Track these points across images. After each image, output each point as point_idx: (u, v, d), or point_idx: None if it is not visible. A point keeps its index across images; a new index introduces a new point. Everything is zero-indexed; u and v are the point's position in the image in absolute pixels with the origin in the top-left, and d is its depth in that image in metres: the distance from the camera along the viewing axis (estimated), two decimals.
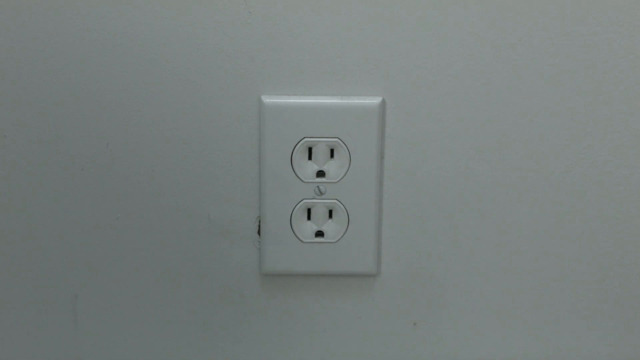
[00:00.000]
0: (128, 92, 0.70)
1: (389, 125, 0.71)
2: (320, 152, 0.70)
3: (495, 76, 0.69)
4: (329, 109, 0.69)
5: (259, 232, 0.73)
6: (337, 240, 0.72)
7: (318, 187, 0.71)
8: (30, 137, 0.71)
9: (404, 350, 0.76)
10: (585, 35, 0.68)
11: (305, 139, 0.70)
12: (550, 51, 0.69)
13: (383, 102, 0.70)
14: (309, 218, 0.72)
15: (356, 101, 0.69)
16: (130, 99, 0.70)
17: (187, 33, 0.68)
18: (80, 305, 0.75)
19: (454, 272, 0.74)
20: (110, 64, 0.69)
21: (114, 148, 0.71)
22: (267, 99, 0.69)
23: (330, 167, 0.71)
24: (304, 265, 0.73)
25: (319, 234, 0.72)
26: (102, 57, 0.69)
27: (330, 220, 0.72)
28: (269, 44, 0.69)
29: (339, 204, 0.71)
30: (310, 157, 0.70)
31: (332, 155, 0.70)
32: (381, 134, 0.70)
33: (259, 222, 0.72)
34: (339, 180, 0.71)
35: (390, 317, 0.76)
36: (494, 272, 0.74)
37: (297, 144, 0.70)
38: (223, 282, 0.74)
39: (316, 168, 0.70)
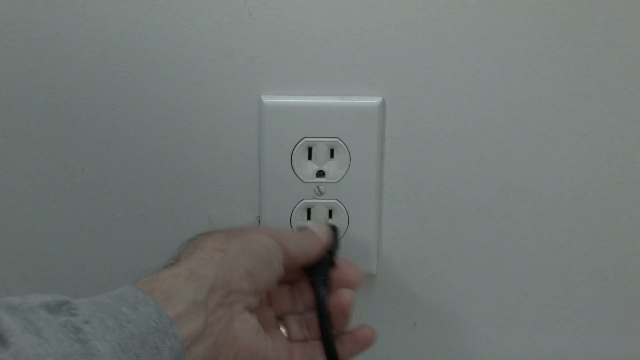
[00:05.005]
0: (128, 92, 0.70)
1: (389, 125, 0.71)
2: (320, 152, 0.70)
3: (495, 76, 0.69)
4: (329, 109, 0.69)
5: None
6: None
7: (318, 187, 0.71)
8: (30, 137, 0.71)
9: (404, 350, 0.76)
10: (585, 35, 0.68)
11: (305, 139, 0.70)
12: (550, 51, 0.69)
13: (383, 102, 0.70)
14: (309, 218, 0.72)
15: (356, 101, 0.69)
16: (130, 99, 0.70)
17: (187, 33, 0.68)
18: None
19: (454, 272, 0.74)
20: (110, 64, 0.69)
21: (114, 148, 0.71)
22: (267, 99, 0.69)
23: (330, 167, 0.71)
24: None
25: None
26: (102, 57, 0.69)
27: (330, 221, 0.72)
28: (269, 44, 0.69)
29: (339, 204, 0.71)
30: (310, 157, 0.70)
31: (332, 155, 0.70)
32: (381, 134, 0.70)
33: (259, 222, 0.72)
34: (339, 180, 0.71)
35: (390, 317, 0.76)
36: (494, 272, 0.74)
37: (297, 144, 0.70)
38: None
39: (316, 168, 0.70)
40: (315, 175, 0.71)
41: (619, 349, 0.76)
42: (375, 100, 0.69)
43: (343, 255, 0.72)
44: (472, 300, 0.75)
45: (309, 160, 0.71)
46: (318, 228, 0.66)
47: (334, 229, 0.68)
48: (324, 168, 0.70)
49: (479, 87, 0.70)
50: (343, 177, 0.71)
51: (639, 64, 0.69)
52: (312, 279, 0.64)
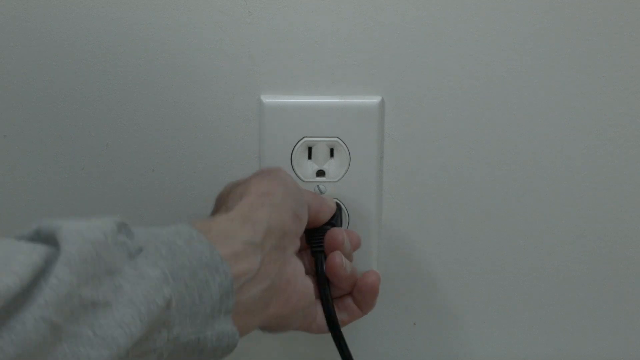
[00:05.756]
0: (128, 92, 0.70)
1: (389, 125, 0.71)
2: (320, 151, 0.70)
3: (495, 76, 0.69)
4: (329, 108, 0.69)
5: None
6: None
7: (318, 186, 0.71)
8: (30, 137, 0.71)
9: (404, 350, 0.76)
10: (586, 35, 0.68)
11: (305, 139, 0.70)
12: (550, 51, 0.69)
13: (382, 102, 0.70)
14: None
15: (356, 101, 0.69)
16: (130, 99, 0.70)
17: (188, 33, 0.68)
18: None
19: (454, 272, 0.74)
20: (110, 64, 0.69)
21: (114, 148, 0.71)
22: (267, 99, 0.69)
23: (330, 166, 0.71)
24: None
25: None
26: (102, 57, 0.69)
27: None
28: (269, 44, 0.69)
29: (339, 203, 0.71)
30: (310, 157, 0.71)
31: (332, 155, 0.70)
32: (381, 133, 0.70)
33: None
34: (339, 180, 0.71)
35: (390, 317, 0.75)
36: (494, 273, 0.74)
37: (297, 144, 0.70)
38: None
39: (316, 167, 0.71)
40: (315, 174, 0.71)
41: (619, 349, 0.76)
42: (375, 100, 0.69)
43: None
44: (472, 300, 0.75)
45: (309, 160, 0.71)
46: (327, 198, 0.67)
47: (338, 207, 0.69)
48: (324, 167, 0.71)
49: (478, 87, 0.70)
50: (343, 176, 0.71)
51: (639, 64, 0.69)
52: (311, 249, 0.65)
